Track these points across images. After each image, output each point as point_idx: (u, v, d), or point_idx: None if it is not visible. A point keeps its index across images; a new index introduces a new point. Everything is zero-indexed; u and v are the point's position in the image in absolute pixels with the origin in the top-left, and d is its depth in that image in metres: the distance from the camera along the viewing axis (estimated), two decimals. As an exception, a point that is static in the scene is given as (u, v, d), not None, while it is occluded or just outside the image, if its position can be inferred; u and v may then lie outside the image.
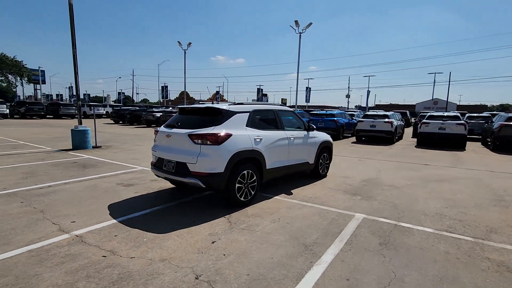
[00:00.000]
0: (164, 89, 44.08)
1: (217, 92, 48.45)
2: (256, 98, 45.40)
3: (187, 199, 4.77)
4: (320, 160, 6.35)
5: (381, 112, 14.99)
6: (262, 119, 5.07)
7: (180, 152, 4.28)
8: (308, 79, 46.28)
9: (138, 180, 5.95)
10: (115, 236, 3.35)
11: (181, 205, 4.50)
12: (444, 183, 6.16)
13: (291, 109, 6.10)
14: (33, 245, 3.09)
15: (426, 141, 12.90)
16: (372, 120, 13.88)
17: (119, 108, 28.91)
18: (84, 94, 66.84)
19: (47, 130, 16.96)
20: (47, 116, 29.35)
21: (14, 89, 43.25)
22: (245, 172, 4.41)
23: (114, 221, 3.79)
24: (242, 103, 4.94)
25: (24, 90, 59.26)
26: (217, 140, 4.09)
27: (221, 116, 4.41)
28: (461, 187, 5.84)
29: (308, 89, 37.93)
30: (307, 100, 38.08)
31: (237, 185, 4.30)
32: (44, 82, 58.37)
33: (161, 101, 48.14)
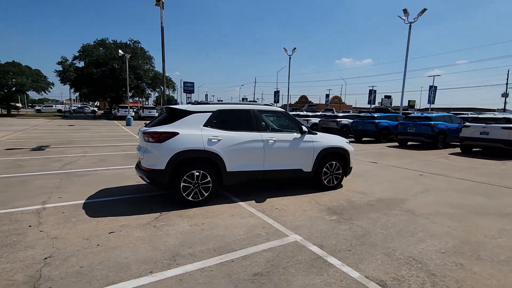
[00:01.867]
0: (276, 94, 46.55)
1: (327, 96, 47.10)
2: (376, 100, 41.45)
3: (160, 193, 5.12)
4: (325, 169, 5.41)
5: (500, 115, 10.99)
6: (230, 120, 4.84)
7: (140, 149, 4.69)
8: (433, 76, 38.15)
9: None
10: (63, 213, 4.08)
11: (148, 197, 4.90)
12: None
13: (281, 110, 5.46)
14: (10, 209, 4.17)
15: (467, 148, 11.24)
16: (484, 125, 10.34)
17: None
18: (218, 100, 79.22)
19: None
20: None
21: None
22: (195, 172, 4.37)
23: (82, 201, 4.57)
24: (207, 103, 4.88)
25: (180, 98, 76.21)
26: (159, 138, 4.25)
27: (176, 116, 4.54)
28: (530, 230, 3.71)
29: (432, 88, 31.18)
30: (430, 101, 31.34)
31: (182, 184, 4.32)
32: (193, 91, 73.52)
33: (278, 105, 51.20)
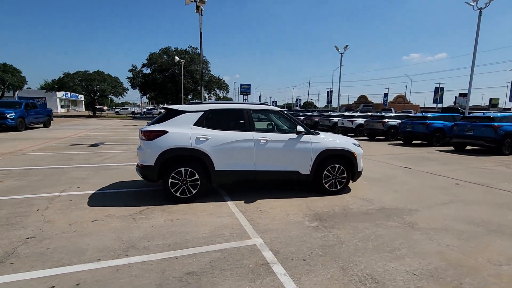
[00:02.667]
0: (329, 94, 44.85)
1: (385, 95, 43.38)
2: (444, 99, 36.85)
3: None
4: (326, 173, 5.06)
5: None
6: (222, 119, 4.88)
7: (138, 146, 5.03)
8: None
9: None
10: (70, 200, 4.63)
11: (151, 191, 5.24)
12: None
13: (277, 109, 5.24)
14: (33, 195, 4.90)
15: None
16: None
17: None
18: (272, 102, 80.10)
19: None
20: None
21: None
22: (182, 169, 4.53)
23: (92, 192, 5.12)
24: (201, 103, 4.99)
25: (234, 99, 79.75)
26: (150, 136, 4.51)
27: (169, 115, 4.76)
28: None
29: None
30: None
31: (170, 180, 4.51)
32: (249, 93, 76.07)
33: (329, 105, 49.32)
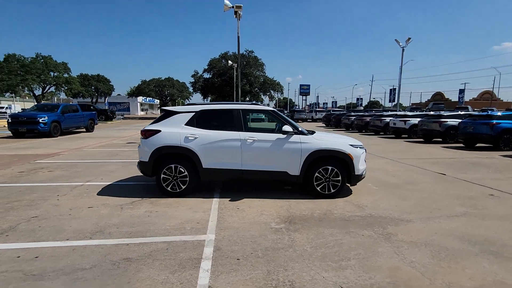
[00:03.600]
0: (392, 91, 41.03)
1: (461, 91, 37.33)
2: None
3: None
4: (318, 174, 4.82)
5: None
6: (212, 119, 5.05)
7: None
8: None
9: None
10: (86, 189, 5.40)
11: (150, 185, 5.73)
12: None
13: (268, 109, 5.14)
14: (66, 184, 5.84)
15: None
16: None
17: (328, 112, 31.46)
18: (332, 102, 77.22)
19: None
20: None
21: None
22: (173, 166, 4.87)
23: (109, 183, 5.86)
24: (195, 104, 5.24)
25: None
26: (146, 135, 4.97)
27: (165, 116, 5.16)
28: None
29: None
30: None
31: (162, 175, 4.89)
32: (308, 93, 75.03)
33: (397, 104, 44.96)
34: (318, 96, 77.64)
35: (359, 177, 4.96)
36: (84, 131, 18.21)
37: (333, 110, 35.99)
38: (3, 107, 44.32)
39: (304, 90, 70.64)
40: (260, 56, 40.18)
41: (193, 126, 4.96)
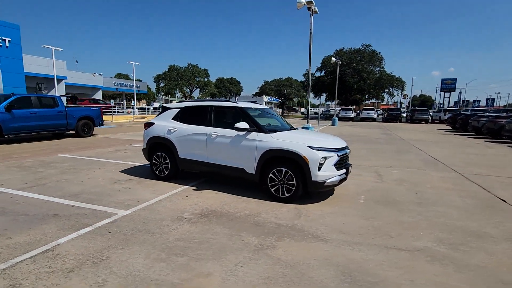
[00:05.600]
0: None
1: None
2: None
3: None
4: (271, 175, 4.52)
5: None
6: (192, 114, 5.52)
7: None
8: None
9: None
10: (120, 167, 6.97)
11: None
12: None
13: (234, 105, 5.04)
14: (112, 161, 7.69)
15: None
16: None
17: (457, 112, 24.85)
18: (487, 99, 60.13)
19: (351, 129, 20.81)
20: (404, 120, 32.91)
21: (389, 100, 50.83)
22: (159, 153, 5.70)
23: (139, 164, 7.30)
24: (183, 101, 5.81)
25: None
26: (145, 127, 5.99)
27: (162, 111, 6.02)
28: None
29: None
30: None
31: (153, 161, 5.82)
32: (453, 89, 61.67)
33: None
34: (460, 93, 61.94)
35: (319, 185, 4.30)
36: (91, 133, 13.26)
37: (472, 110, 28.24)
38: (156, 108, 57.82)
39: (447, 86, 58.42)
40: (390, 49, 36.00)
41: (177, 121, 5.62)
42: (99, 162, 7.40)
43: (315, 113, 63.94)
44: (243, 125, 4.72)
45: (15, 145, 10.15)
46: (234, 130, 4.93)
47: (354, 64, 34.89)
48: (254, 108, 5.47)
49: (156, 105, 51.57)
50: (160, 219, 3.78)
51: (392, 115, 32.43)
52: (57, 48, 25.93)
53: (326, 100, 53.89)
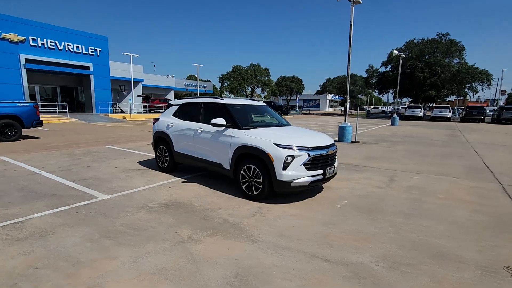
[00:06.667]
0: None
1: None
2: None
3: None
4: (243, 172, 4.48)
5: None
6: (187, 111, 5.79)
7: None
8: None
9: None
10: (141, 158, 7.73)
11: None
12: None
13: (218, 102, 5.07)
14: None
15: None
16: None
17: None
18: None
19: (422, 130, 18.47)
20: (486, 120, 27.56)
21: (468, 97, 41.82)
22: (161, 146, 6.15)
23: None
24: (183, 98, 6.09)
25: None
26: (153, 122, 6.51)
27: (167, 107, 6.45)
28: None
29: None
30: None
31: (157, 154, 6.31)
32: None
33: None
34: None
35: (284, 184, 4.07)
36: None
37: None
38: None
39: None
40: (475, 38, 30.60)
41: (175, 116, 5.98)
42: (130, 153, 8.33)
43: (383, 111, 59.06)
44: (220, 121, 4.77)
45: (82, 135, 12.15)
46: (214, 127, 5.01)
47: (426, 57, 30.65)
48: (245, 104, 5.48)
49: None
50: (127, 206, 4.13)
51: (472, 114, 27.24)
52: (134, 55, 29.67)
53: (394, 98, 48.97)
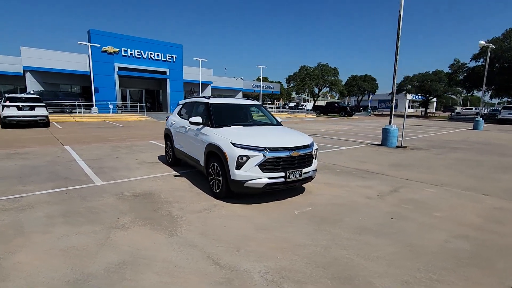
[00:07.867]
0: None
1: None
2: None
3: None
4: (210, 169, 4.58)
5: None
6: (187, 109, 6.14)
7: None
8: None
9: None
10: (157, 147, 8.49)
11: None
12: None
13: (201, 101, 5.21)
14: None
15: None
16: None
17: None
18: None
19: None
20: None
21: None
22: (168, 142, 6.69)
23: (183, 153, 8.60)
24: (186, 98, 6.44)
25: None
26: (166, 119, 7.09)
27: (177, 106, 6.94)
28: None
29: None
30: None
31: (166, 148, 6.88)
32: None
33: None
34: None
35: (238, 184, 4.01)
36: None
37: None
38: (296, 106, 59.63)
39: None
40: None
41: (178, 115, 6.42)
42: (161, 148, 9.23)
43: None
44: (196, 119, 4.97)
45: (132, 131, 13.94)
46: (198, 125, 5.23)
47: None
48: (230, 103, 5.59)
49: (291, 104, 54.64)
50: (107, 192, 4.68)
51: None
52: (203, 59, 32.17)
53: (491, 97, 40.64)
